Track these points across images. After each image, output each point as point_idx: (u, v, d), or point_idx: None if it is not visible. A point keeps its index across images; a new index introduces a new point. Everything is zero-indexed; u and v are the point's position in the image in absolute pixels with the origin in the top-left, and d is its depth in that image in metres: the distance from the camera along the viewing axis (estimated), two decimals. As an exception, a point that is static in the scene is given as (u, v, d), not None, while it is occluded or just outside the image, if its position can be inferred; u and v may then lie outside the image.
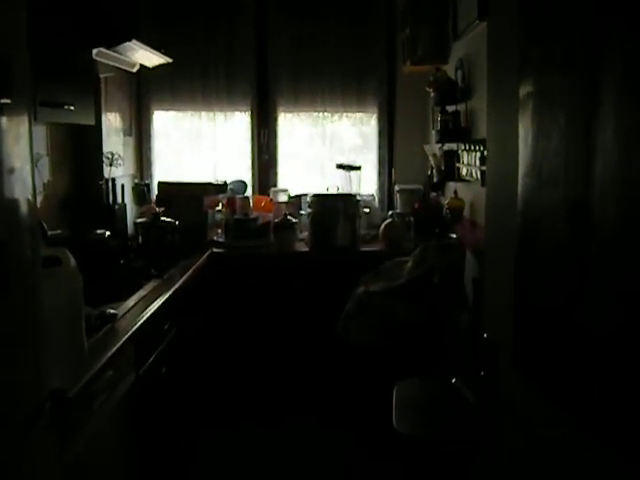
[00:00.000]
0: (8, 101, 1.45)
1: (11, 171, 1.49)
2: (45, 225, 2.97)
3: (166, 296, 2.95)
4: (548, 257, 1.03)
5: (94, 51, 3.15)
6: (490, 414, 1.28)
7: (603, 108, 0.83)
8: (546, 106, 1.02)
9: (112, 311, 2.48)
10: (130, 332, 2.40)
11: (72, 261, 1.83)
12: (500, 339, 1.25)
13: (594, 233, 0.88)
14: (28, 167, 1.59)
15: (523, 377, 1.16)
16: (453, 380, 1.32)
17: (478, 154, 3.16)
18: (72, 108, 2.86)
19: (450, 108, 3.77)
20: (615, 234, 0.84)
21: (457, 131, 3.65)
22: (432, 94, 3.90)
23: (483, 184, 3.11)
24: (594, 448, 0.99)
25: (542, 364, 1.11)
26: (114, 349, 2.19)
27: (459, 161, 3.69)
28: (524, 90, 1.10)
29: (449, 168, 3.82)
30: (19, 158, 1.53)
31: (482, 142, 3.11)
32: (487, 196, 1.38)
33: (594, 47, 0.86)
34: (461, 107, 3.69)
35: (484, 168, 3.09)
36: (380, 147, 4.87)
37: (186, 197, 4.18)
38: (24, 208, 1.56)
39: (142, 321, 2.55)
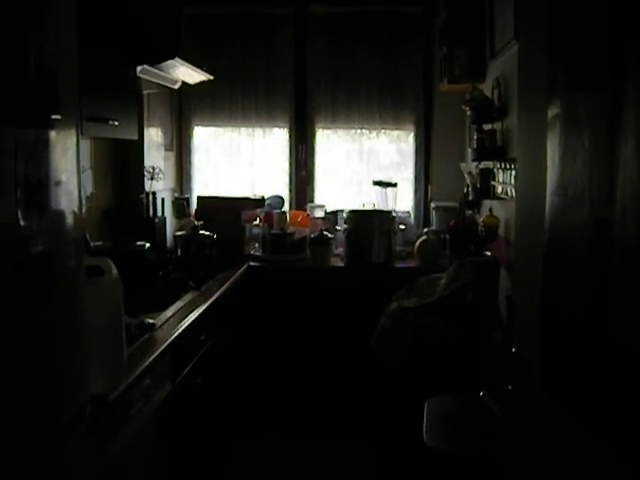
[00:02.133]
0: (58, 117, 1.52)
1: (58, 184, 1.55)
2: (88, 236, 3.05)
3: (203, 308, 3.01)
4: (573, 274, 1.05)
5: (138, 68, 3.24)
6: (516, 428, 1.30)
7: (624, 130, 0.86)
8: (572, 127, 1.05)
9: (151, 321, 2.54)
10: (168, 342, 2.46)
11: (114, 271, 1.90)
12: (528, 354, 1.28)
13: (616, 251, 0.90)
14: (75, 180, 1.66)
15: (549, 392, 1.18)
16: (481, 394, 1.34)
17: (513, 172, 3.17)
18: (116, 123, 2.95)
19: (486, 126, 3.78)
20: (635, 250, 0.87)
21: (493, 149, 3.66)
22: (468, 112, 3.92)
23: (518, 202, 3.12)
24: (619, 464, 1.01)
25: (567, 379, 1.13)
26: (152, 358, 2.25)
27: (494, 179, 3.70)
28: (552, 111, 1.13)
29: (485, 186, 3.82)
30: (66, 171, 1.60)
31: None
32: (516, 213, 1.41)
33: (617, 70, 0.89)
34: (497, 126, 3.70)
35: (519, 186, 3.11)
36: (416, 164, 4.89)
37: (224, 211, 4.25)
38: (70, 220, 1.62)
39: (179, 331, 2.61)
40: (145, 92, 3.97)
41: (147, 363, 2.20)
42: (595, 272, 0.98)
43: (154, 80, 3.61)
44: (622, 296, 0.92)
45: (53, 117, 1.52)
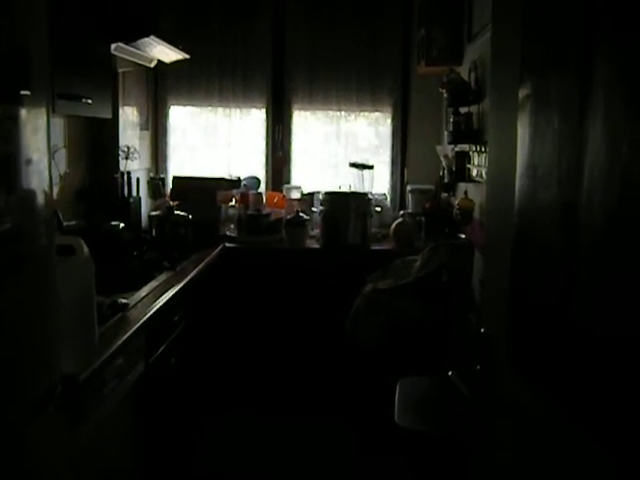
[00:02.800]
0: (28, 93, 1.50)
1: (29, 162, 1.53)
2: (61, 215, 3.02)
3: (177, 288, 3.00)
4: (541, 255, 1.06)
5: (113, 46, 3.20)
6: (484, 407, 1.32)
7: (593, 110, 0.86)
8: (543, 107, 1.06)
9: (124, 301, 2.53)
10: (141, 321, 2.44)
11: (85, 250, 1.88)
12: (496, 334, 1.29)
13: (582, 234, 0.91)
14: (45, 159, 1.64)
15: (516, 371, 1.19)
16: (449, 373, 1.35)
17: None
18: (90, 101, 2.92)
19: (463, 109, 3.79)
20: (602, 234, 0.88)
21: (469, 133, 3.68)
22: (445, 95, 3.93)
23: (492, 185, 3.13)
24: (585, 440, 1.03)
25: (534, 358, 1.15)
26: (124, 337, 2.24)
27: (470, 162, 3.72)
28: (523, 92, 1.13)
29: (460, 169, 3.84)
30: (37, 150, 1.58)
31: (493, 144, 3.13)
32: (487, 195, 1.42)
33: (586, 50, 0.90)
34: (473, 109, 3.72)
35: (494, 169, 3.12)
36: (393, 146, 4.90)
37: (200, 192, 4.22)
38: (40, 199, 1.60)
39: (153, 311, 2.60)
40: (120, 70, 3.92)
41: (120, 342, 2.19)
42: (563, 255, 0.99)
43: (129, 58, 3.58)
44: (589, 279, 0.93)
45: (22, 93, 1.49)
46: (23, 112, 1.51)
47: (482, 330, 1.33)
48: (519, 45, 1.15)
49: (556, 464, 1.14)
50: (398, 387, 2.78)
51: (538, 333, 1.12)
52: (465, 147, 3.80)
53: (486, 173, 1.53)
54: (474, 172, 3.61)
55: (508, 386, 1.25)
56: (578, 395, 1.04)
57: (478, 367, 1.30)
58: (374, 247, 4.23)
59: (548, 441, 1.15)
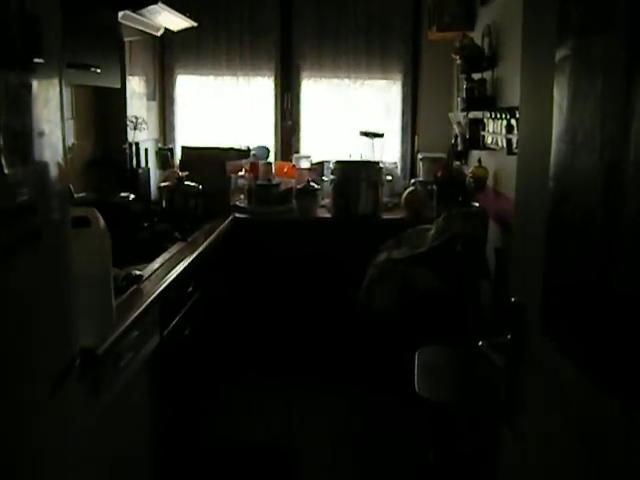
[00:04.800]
0: (41, 60, 1.46)
1: (41, 134, 1.50)
2: (72, 187, 2.99)
3: (190, 259, 2.97)
4: (580, 221, 1.03)
5: (120, 14, 3.14)
6: (515, 378, 1.29)
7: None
8: (584, 69, 1.01)
9: (138, 272, 2.50)
10: (155, 294, 2.43)
11: (101, 221, 1.85)
12: (528, 303, 1.26)
13: (628, 195, 0.88)
14: (59, 130, 1.61)
15: (551, 340, 1.16)
16: (480, 343, 1.33)
17: (504, 122, 3.13)
18: (98, 71, 2.87)
19: (476, 76, 3.73)
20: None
21: (483, 99, 3.62)
22: (458, 61, 3.86)
23: (509, 152, 3.09)
24: (620, 410, 1.00)
25: (569, 327, 1.12)
26: (140, 310, 2.23)
27: (484, 129, 3.66)
28: (561, 53, 1.08)
29: (474, 136, 3.79)
30: (49, 122, 1.54)
31: (508, 110, 3.08)
32: (518, 161, 1.37)
33: (635, 10, 0.85)
34: (487, 75, 3.65)
35: (510, 136, 3.07)
36: (403, 114, 4.84)
37: (209, 162, 4.18)
38: (54, 171, 1.57)
39: (167, 283, 2.58)
40: (127, 39, 3.86)
41: (135, 315, 2.17)
42: (605, 219, 0.96)
43: (136, 26, 3.51)
44: (632, 244, 0.90)
45: (36, 60, 1.45)
46: (36, 81, 1.47)
47: (512, 299, 1.30)
48: (556, 2, 1.10)
49: (588, 433, 1.11)
50: (417, 356, 2.76)
51: (574, 301, 1.09)
52: (479, 114, 3.74)
53: (517, 139, 1.49)
54: (489, 139, 3.56)
55: (541, 356, 1.23)
56: (612, 364, 1.01)
57: (508, 337, 1.28)
58: (385, 216, 4.19)
59: (580, 409, 1.12)
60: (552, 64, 1.10)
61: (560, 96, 1.08)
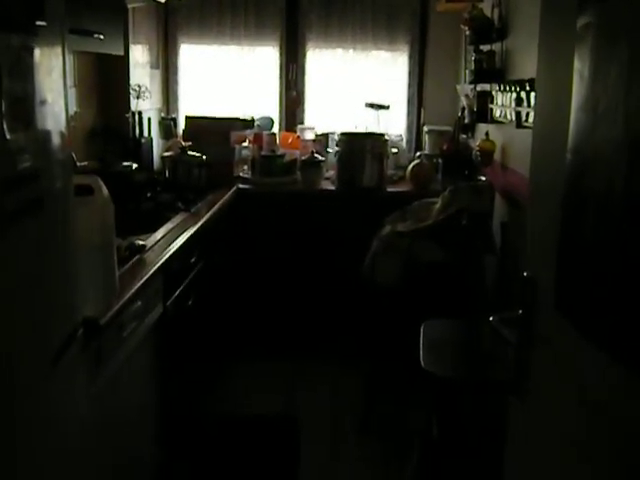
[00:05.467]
0: (44, 23, 1.42)
1: (43, 102, 1.47)
2: (74, 156, 2.96)
3: (193, 229, 2.95)
4: (601, 196, 1.00)
5: (124, -21, 3.09)
6: (526, 352, 1.28)
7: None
8: (606, 37, 0.98)
9: (141, 242, 2.48)
10: (159, 264, 2.41)
11: (104, 190, 1.83)
12: (541, 278, 1.23)
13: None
14: (61, 99, 1.57)
15: (564, 315, 1.14)
16: (490, 318, 1.31)
17: (514, 95, 3.08)
18: (102, 37, 2.82)
19: (485, 47, 3.67)
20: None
21: (492, 71, 3.57)
22: (467, 32, 3.80)
23: (518, 125, 3.04)
24: (635, 386, 0.98)
25: (584, 304, 1.10)
26: (143, 280, 2.21)
27: (493, 102, 3.61)
28: (582, 21, 1.04)
29: (482, 109, 3.74)
30: (51, 90, 1.51)
31: (518, 83, 3.03)
32: (534, 132, 1.33)
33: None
34: (496, 47, 3.59)
35: (519, 109, 3.03)
36: (410, 86, 4.78)
37: (213, 132, 4.13)
38: (56, 139, 1.54)
39: (170, 253, 2.57)
40: (130, 6, 3.79)
41: (138, 285, 2.15)
42: (627, 192, 0.93)
43: (140, -8, 3.46)
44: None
45: (38, 23, 1.41)
46: (38, 46, 1.43)
47: (525, 274, 1.27)
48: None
49: (599, 406, 1.09)
50: (422, 329, 2.74)
51: (590, 277, 1.07)
52: (487, 87, 3.69)
53: (534, 108, 1.45)
54: (497, 112, 3.51)
55: (552, 330, 1.20)
56: (627, 341, 0.99)
57: (520, 312, 1.25)
58: (390, 189, 4.15)
59: (594, 387, 1.11)
60: (573, 32, 1.06)
61: (581, 65, 1.04)
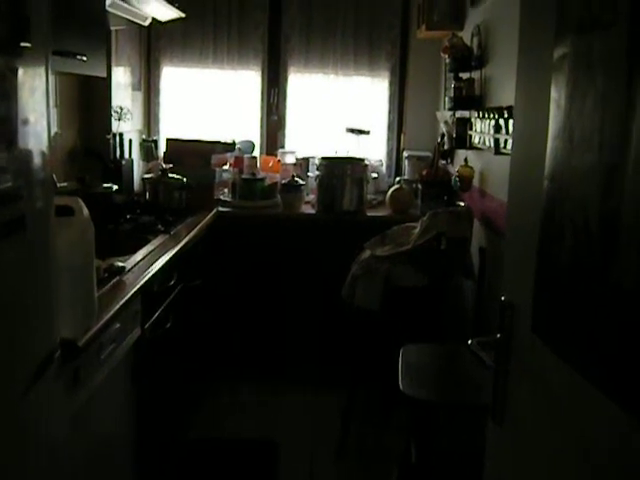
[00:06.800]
0: (28, 45, 1.43)
1: (25, 122, 1.47)
2: (55, 177, 2.95)
3: (173, 252, 2.95)
4: (576, 222, 1.02)
5: (107, 1, 3.10)
6: (504, 376, 1.29)
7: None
8: (582, 67, 1.00)
9: (120, 264, 2.47)
10: (138, 286, 2.40)
11: (85, 211, 1.82)
12: (519, 303, 1.25)
13: (627, 197, 0.87)
14: (44, 120, 1.57)
15: (542, 340, 1.16)
16: (469, 342, 1.32)
17: (492, 122, 3.13)
18: (84, 59, 2.82)
19: (464, 75, 3.73)
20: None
21: (471, 98, 3.62)
22: (447, 60, 3.86)
23: (497, 152, 3.08)
24: (617, 414, 0.99)
25: (561, 328, 1.11)
26: (122, 301, 2.20)
27: (471, 129, 3.66)
28: (560, 51, 1.07)
29: (461, 135, 3.78)
30: (34, 111, 1.51)
31: (497, 110, 3.07)
32: (512, 159, 1.36)
33: (637, 5, 0.84)
34: (475, 74, 3.65)
35: (498, 136, 3.07)
36: (390, 112, 4.83)
37: (194, 155, 4.14)
38: (38, 159, 1.54)
39: (149, 275, 2.55)
40: (113, 28, 3.81)
41: (117, 307, 2.14)
42: (602, 220, 0.95)
43: (124, 15, 3.48)
44: (630, 245, 0.89)
45: (23, 45, 1.42)
46: (22, 67, 1.44)
47: (503, 298, 1.29)
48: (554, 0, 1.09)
49: (578, 432, 1.11)
50: (401, 354, 2.75)
51: (567, 301, 1.09)
52: (466, 113, 3.74)
53: (512, 136, 1.48)
54: (476, 139, 3.56)
55: (530, 354, 1.22)
56: (606, 366, 1.00)
57: (498, 335, 1.27)
58: (370, 214, 4.18)
59: (572, 411, 1.12)
60: (550, 62, 1.09)
61: (558, 94, 1.07)
